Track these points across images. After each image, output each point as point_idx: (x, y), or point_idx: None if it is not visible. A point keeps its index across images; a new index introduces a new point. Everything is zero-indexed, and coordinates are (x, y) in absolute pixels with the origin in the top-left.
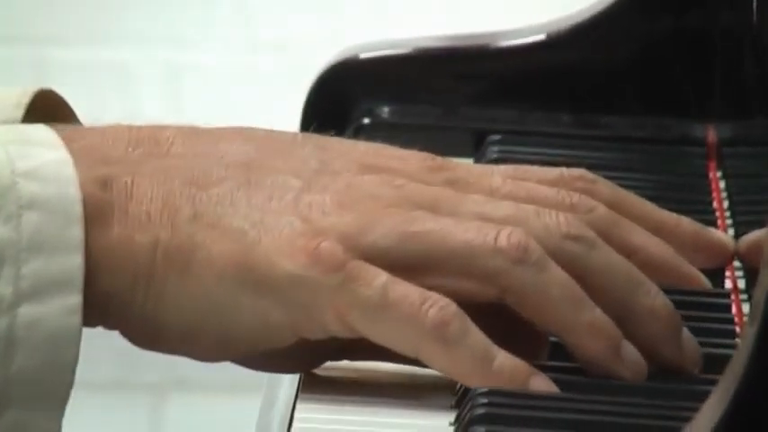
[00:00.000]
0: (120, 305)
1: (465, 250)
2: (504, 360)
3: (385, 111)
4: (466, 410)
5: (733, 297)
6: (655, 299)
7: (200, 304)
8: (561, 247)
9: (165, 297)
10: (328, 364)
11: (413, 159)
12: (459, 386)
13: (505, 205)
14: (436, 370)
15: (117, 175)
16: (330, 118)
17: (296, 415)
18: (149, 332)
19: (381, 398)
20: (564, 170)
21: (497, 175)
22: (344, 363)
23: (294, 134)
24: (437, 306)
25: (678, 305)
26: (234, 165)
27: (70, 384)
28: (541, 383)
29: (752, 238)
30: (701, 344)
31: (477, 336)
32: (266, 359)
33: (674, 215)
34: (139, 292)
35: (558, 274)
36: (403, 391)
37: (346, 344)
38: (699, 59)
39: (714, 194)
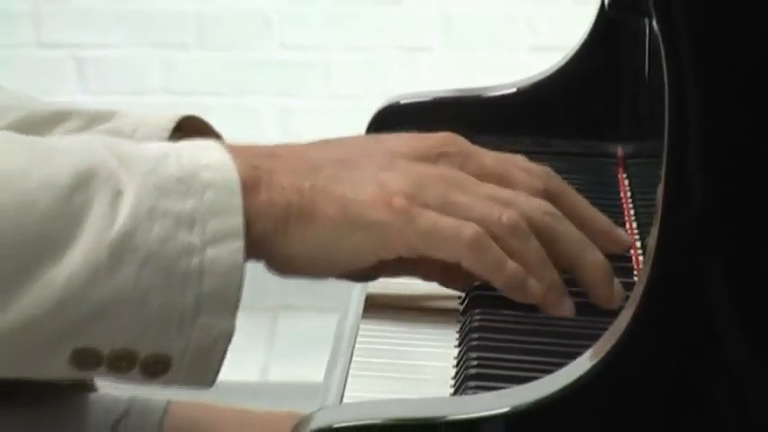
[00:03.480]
0: (267, 245)
1: (480, 220)
2: (513, 264)
3: None
4: (465, 327)
5: (632, 252)
6: (597, 256)
7: (318, 242)
8: (541, 219)
9: (296, 238)
10: (384, 290)
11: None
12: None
13: (507, 191)
14: (471, 270)
15: (261, 165)
16: None
17: (361, 326)
18: (284, 262)
19: (416, 314)
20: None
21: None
22: (393, 289)
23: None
24: (471, 227)
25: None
26: (332, 160)
27: (239, 298)
28: (536, 285)
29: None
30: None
31: (497, 249)
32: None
33: (596, 211)
34: (279, 235)
35: (535, 244)
36: (429, 310)
37: (400, 265)
38: (611, 103)
39: (621, 189)
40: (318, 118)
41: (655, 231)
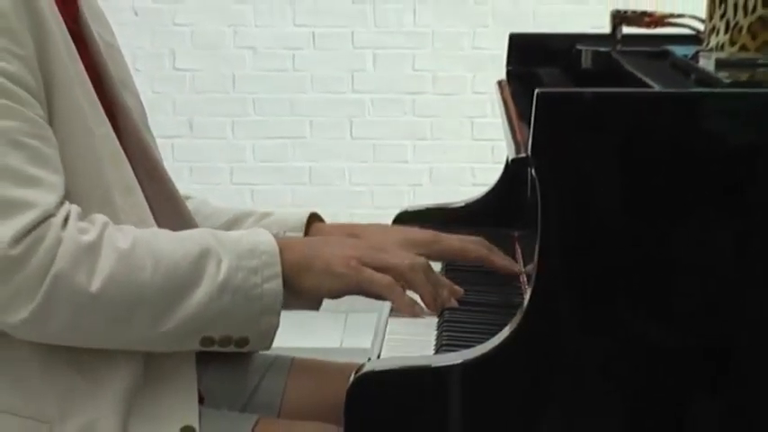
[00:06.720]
0: (289, 282)
1: (394, 266)
2: (402, 293)
3: None
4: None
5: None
6: (446, 285)
7: (313, 282)
8: (422, 265)
9: (302, 280)
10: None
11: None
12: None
13: (404, 252)
14: (385, 297)
15: (284, 243)
16: None
17: (389, 319)
18: (298, 292)
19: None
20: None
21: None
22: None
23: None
24: (387, 281)
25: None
26: (321, 243)
27: (281, 307)
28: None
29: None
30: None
31: (399, 289)
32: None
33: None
34: (293, 278)
35: (421, 275)
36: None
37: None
38: (512, 211)
39: (516, 255)
40: (366, 219)
41: (533, 279)
